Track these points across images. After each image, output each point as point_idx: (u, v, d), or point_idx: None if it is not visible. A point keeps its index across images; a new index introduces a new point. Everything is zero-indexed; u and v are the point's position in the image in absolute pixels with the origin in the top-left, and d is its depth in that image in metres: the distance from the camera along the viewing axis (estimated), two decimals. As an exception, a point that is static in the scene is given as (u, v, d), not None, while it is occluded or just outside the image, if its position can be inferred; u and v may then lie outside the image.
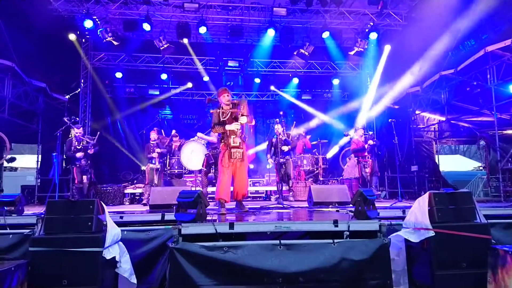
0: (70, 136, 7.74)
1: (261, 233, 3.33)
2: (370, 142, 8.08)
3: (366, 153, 8.11)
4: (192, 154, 7.80)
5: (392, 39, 11.26)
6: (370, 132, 8.40)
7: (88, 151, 7.08)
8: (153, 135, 8.03)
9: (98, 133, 7.87)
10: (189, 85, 12.32)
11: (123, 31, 10.47)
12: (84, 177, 7.10)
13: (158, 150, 7.81)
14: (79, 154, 7.03)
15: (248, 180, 5.63)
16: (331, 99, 13.12)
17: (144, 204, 7.47)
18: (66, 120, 6.72)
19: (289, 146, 7.60)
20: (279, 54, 12.10)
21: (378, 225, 3.29)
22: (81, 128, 7.42)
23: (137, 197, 8.98)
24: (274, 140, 7.58)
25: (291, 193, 8.03)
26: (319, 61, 12.49)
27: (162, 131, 9.13)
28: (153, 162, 7.76)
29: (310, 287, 3.03)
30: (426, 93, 9.91)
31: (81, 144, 7.12)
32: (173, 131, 8.56)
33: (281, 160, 7.44)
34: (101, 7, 9.97)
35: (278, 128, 7.49)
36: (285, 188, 8.19)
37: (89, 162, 7.21)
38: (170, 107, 12.73)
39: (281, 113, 7.77)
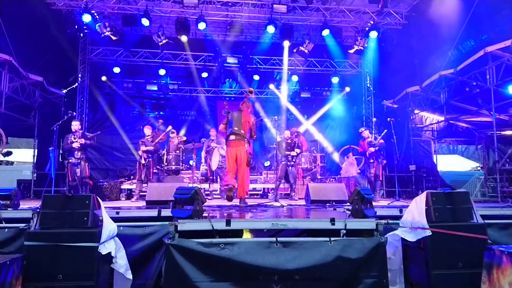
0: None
1: (258, 230, 3.32)
2: (371, 149, 7.87)
3: (369, 157, 7.97)
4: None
5: (392, 37, 11.25)
6: (379, 138, 7.91)
7: (78, 140, 6.96)
8: (147, 131, 8.01)
9: (99, 132, 8.04)
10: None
11: (122, 26, 10.40)
12: (78, 170, 6.98)
13: (143, 148, 7.75)
14: (74, 145, 6.96)
15: None
16: (330, 97, 13.09)
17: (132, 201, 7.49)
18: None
19: (299, 150, 8.14)
20: (278, 51, 12.07)
21: (375, 224, 3.28)
22: (78, 122, 7.36)
23: (134, 193, 8.93)
24: (284, 144, 8.11)
25: (293, 194, 8.19)
26: (319, 59, 12.46)
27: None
28: (141, 157, 7.76)
29: (306, 285, 3.03)
30: (425, 93, 9.92)
31: (77, 137, 7.07)
32: (169, 127, 8.50)
33: (289, 163, 8.04)
34: (100, 1, 9.90)
35: (287, 133, 8.33)
36: (283, 186, 8.64)
37: (83, 156, 7.07)
38: (168, 103, 12.67)
39: (275, 117, 7.93)
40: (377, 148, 7.89)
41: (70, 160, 7.04)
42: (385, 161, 8.13)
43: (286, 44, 10.93)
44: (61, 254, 3.08)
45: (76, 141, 6.95)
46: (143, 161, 7.72)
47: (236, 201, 5.54)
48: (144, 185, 7.63)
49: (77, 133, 7.07)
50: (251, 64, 12.40)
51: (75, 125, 7.15)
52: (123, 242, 3.46)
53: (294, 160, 8.11)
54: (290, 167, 8.06)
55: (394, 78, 10.89)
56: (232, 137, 5.45)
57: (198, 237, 3.09)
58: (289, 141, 8.20)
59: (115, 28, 10.14)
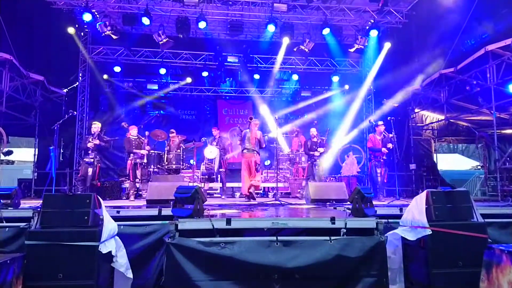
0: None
1: (258, 229, 3.33)
2: (390, 145, 7.43)
3: (381, 155, 7.55)
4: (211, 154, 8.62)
5: (392, 36, 11.23)
6: (391, 135, 7.50)
7: (93, 140, 7.13)
8: (134, 131, 7.99)
9: (116, 138, 8.28)
10: (188, 80, 12.25)
11: (122, 25, 10.41)
12: (90, 169, 7.13)
13: (148, 147, 7.86)
14: (89, 145, 7.12)
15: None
16: (331, 96, 13.05)
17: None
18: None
19: (322, 149, 8.26)
20: (279, 50, 12.03)
21: (375, 222, 3.28)
22: (98, 123, 7.49)
23: (134, 192, 8.92)
24: (309, 142, 8.32)
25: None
26: (319, 58, 12.45)
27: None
28: (138, 156, 7.75)
29: (306, 284, 3.03)
30: (425, 92, 9.92)
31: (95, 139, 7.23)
32: (148, 133, 8.59)
33: (314, 162, 8.16)
34: (100, 0, 9.90)
35: (313, 131, 8.38)
36: (282, 185, 8.72)
37: (97, 157, 7.24)
38: (168, 102, 12.66)
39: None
40: (394, 143, 7.47)
41: (85, 159, 7.23)
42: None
43: (285, 41, 10.91)
44: (61, 253, 3.08)
45: (91, 142, 7.12)
46: (140, 160, 7.76)
47: (237, 201, 5.93)
48: (137, 185, 7.82)
49: (95, 135, 7.24)
50: (251, 63, 12.39)
51: (94, 127, 7.35)
52: (123, 241, 3.46)
53: (317, 159, 8.15)
54: (316, 166, 8.14)
55: (395, 76, 10.88)
56: (245, 150, 7.20)
57: (199, 236, 3.10)
58: (314, 139, 8.21)
59: (115, 27, 10.14)
